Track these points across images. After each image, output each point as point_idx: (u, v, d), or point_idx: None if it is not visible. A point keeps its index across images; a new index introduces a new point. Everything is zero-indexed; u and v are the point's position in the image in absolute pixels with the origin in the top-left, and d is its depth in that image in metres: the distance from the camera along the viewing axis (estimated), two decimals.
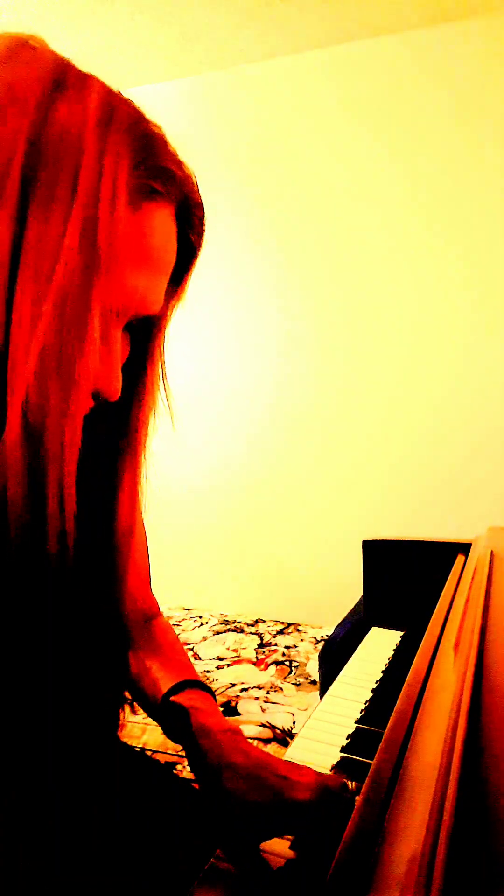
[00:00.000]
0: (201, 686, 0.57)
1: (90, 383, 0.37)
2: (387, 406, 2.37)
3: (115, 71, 2.52)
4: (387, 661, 0.91)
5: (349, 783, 0.47)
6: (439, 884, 0.25)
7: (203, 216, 0.43)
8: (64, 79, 0.35)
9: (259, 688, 1.87)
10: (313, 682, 1.91)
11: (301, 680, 1.94)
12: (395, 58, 2.26)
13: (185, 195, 0.40)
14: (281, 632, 2.39)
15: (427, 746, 0.42)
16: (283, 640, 2.30)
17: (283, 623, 2.49)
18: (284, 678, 1.95)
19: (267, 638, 2.32)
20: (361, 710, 0.75)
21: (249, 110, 2.49)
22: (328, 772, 0.60)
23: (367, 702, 0.77)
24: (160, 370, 0.46)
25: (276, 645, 2.25)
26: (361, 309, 2.38)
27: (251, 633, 2.38)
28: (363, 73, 2.31)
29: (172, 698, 0.55)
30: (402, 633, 1.03)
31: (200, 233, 0.44)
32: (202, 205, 0.43)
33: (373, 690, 0.81)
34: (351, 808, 0.41)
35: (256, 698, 1.80)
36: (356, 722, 0.71)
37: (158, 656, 0.60)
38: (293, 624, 2.48)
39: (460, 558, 0.99)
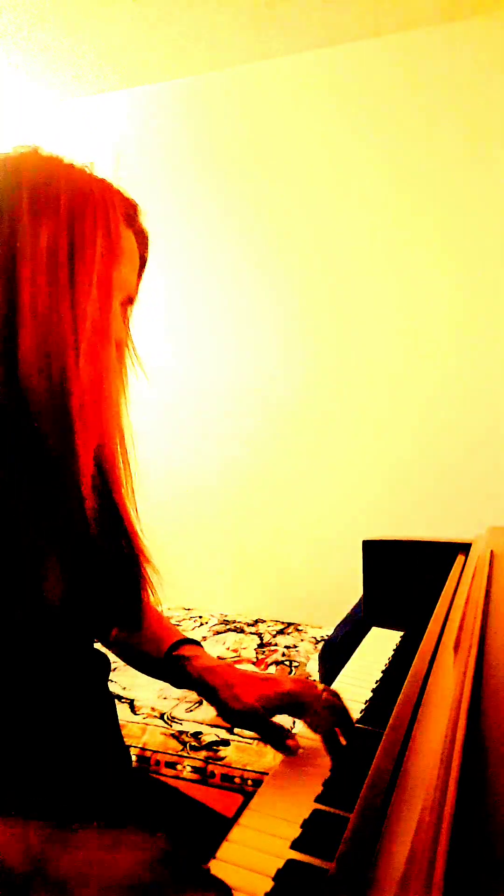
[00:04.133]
0: (191, 641, 0.75)
1: (116, 341, 0.62)
2: (387, 405, 2.37)
3: (116, 71, 2.52)
4: (387, 661, 0.91)
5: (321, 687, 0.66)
6: (439, 884, 0.25)
7: (146, 240, 0.67)
8: (70, 163, 0.60)
9: None
10: None
11: None
12: (395, 58, 2.26)
13: (139, 226, 0.65)
14: (281, 632, 2.39)
15: (427, 746, 0.42)
16: (283, 640, 2.30)
17: (283, 623, 2.49)
18: None
19: (267, 638, 2.32)
20: (361, 710, 0.75)
21: (249, 110, 2.49)
22: (328, 773, 0.60)
23: (367, 702, 0.77)
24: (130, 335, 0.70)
25: (276, 645, 2.25)
26: (362, 307, 2.38)
27: (251, 633, 2.38)
28: (363, 73, 2.31)
29: (175, 653, 0.72)
30: (402, 633, 1.03)
31: (146, 248, 0.68)
32: (145, 232, 0.67)
33: (373, 690, 0.81)
34: (321, 701, 0.64)
35: None
36: (356, 722, 0.71)
37: (152, 623, 0.75)
38: (293, 624, 2.48)
39: (460, 558, 0.99)
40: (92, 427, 0.56)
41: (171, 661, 0.73)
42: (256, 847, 0.49)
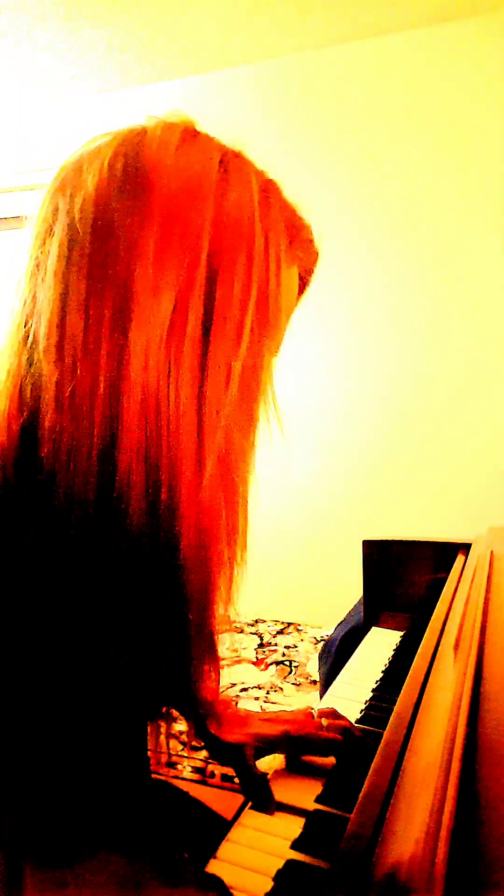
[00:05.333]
0: None
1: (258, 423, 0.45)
2: (386, 405, 2.37)
3: (116, 71, 2.52)
4: (387, 661, 0.91)
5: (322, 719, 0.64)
6: (439, 884, 0.25)
7: (315, 263, 0.51)
8: (227, 162, 0.43)
9: (259, 688, 1.87)
10: (313, 682, 1.91)
11: (301, 680, 1.94)
12: (395, 58, 2.26)
13: (309, 254, 0.49)
14: (281, 632, 2.39)
15: (427, 746, 0.42)
16: (283, 640, 2.30)
17: (283, 623, 2.49)
18: (284, 678, 1.95)
19: (267, 638, 2.32)
20: (361, 711, 0.75)
21: (249, 110, 2.49)
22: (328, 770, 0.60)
23: (367, 702, 0.77)
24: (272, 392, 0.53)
25: (276, 645, 2.25)
26: (363, 311, 2.38)
27: (251, 633, 2.38)
28: (363, 74, 2.31)
29: None
30: (402, 633, 1.03)
31: (311, 272, 0.52)
32: (316, 254, 0.50)
33: (373, 690, 0.81)
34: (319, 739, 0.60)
35: (256, 698, 1.80)
36: (356, 722, 0.71)
37: None
38: (293, 624, 2.48)
39: (460, 558, 0.99)
40: (205, 566, 0.42)
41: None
42: (256, 847, 0.49)
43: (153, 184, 0.39)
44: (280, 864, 0.46)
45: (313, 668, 2.02)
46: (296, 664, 2.07)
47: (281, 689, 1.87)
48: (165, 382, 0.38)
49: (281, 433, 0.50)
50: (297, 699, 1.79)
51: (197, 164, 0.41)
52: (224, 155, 0.43)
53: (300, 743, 0.61)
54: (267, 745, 0.62)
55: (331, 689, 0.83)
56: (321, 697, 0.82)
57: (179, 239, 0.39)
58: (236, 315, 0.40)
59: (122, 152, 0.41)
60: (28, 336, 0.41)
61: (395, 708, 0.54)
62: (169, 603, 0.42)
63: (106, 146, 0.42)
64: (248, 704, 1.75)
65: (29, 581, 0.39)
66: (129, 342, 0.38)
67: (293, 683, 1.91)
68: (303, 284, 0.51)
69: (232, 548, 0.45)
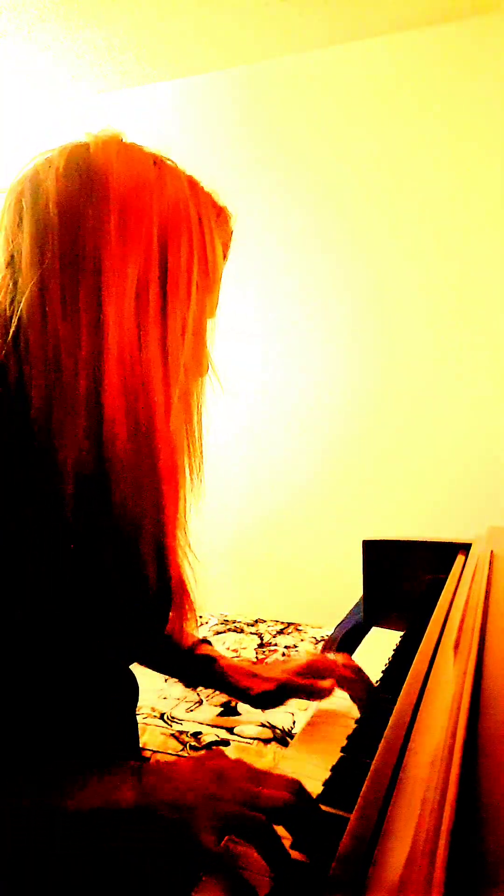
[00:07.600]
0: (205, 640, 0.81)
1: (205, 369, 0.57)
2: (387, 406, 2.37)
3: (116, 71, 2.52)
4: (387, 661, 0.91)
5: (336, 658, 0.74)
6: (439, 884, 0.25)
7: (230, 242, 0.60)
8: (159, 162, 0.51)
9: None
10: None
11: None
12: (395, 58, 2.27)
13: (229, 231, 0.59)
14: (281, 632, 2.39)
15: (427, 746, 0.42)
16: (283, 640, 2.30)
17: (283, 623, 2.49)
18: None
19: (267, 638, 2.32)
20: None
21: (249, 110, 2.49)
22: (327, 774, 0.60)
23: None
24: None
25: (276, 645, 2.25)
26: (364, 312, 2.38)
27: (251, 633, 2.38)
28: (363, 73, 2.31)
29: (197, 652, 0.78)
30: (402, 633, 1.03)
31: (228, 249, 0.61)
32: (230, 233, 0.60)
33: None
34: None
35: None
36: (356, 722, 0.71)
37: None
38: (293, 624, 2.48)
39: (460, 558, 0.99)
40: (179, 486, 0.54)
41: (195, 661, 0.78)
42: None
43: (106, 182, 0.47)
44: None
45: None
46: None
47: None
48: (136, 342, 0.48)
49: (221, 388, 0.64)
50: (297, 699, 1.79)
51: (137, 165, 0.49)
52: (155, 157, 0.52)
53: (318, 675, 0.72)
54: (298, 674, 0.73)
55: None
56: None
57: (134, 224, 0.47)
58: (185, 279, 0.50)
59: (74, 160, 0.48)
60: (10, 317, 0.48)
61: (395, 708, 0.54)
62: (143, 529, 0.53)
63: (57, 157, 0.49)
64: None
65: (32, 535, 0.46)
66: (105, 315, 0.47)
67: None
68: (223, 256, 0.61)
69: (194, 459, 0.60)
